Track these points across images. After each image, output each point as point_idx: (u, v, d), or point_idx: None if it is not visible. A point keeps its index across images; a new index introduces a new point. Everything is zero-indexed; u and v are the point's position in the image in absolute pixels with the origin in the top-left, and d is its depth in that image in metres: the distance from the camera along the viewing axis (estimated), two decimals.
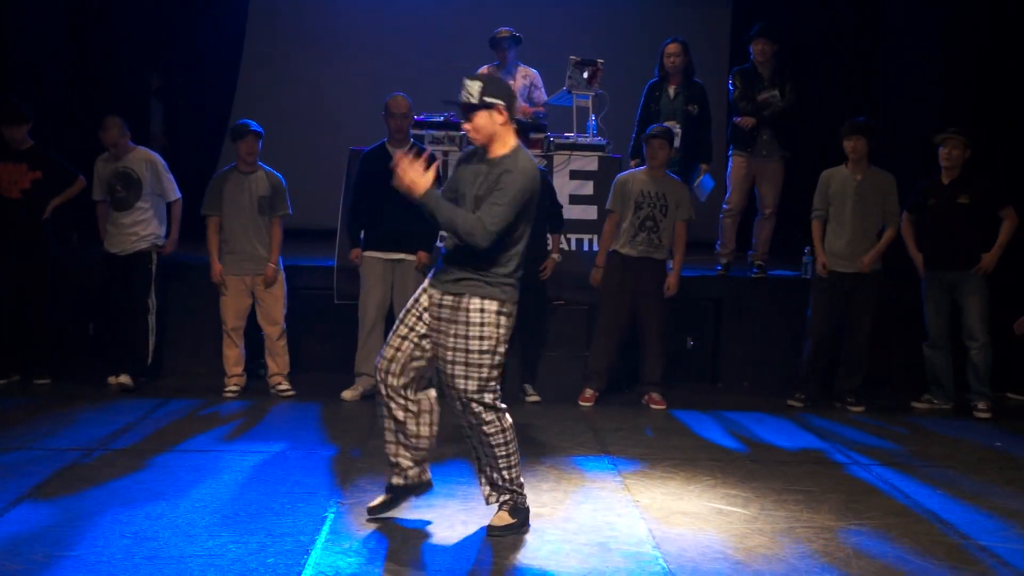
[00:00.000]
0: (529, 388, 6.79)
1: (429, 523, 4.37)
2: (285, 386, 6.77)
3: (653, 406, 6.69)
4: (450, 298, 4.14)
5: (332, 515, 4.44)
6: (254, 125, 6.70)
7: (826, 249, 6.81)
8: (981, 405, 6.67)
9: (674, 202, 6.67)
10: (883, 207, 6.72)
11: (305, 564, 3.89)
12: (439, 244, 4.16)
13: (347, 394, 6.67)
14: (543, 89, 8.03)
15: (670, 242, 6.70)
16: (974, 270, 6.67)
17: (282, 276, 6.81)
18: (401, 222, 6.60)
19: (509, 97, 4.14)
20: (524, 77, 8.05)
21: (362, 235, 6.70)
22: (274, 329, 6.76)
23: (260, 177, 6.72)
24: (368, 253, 6.65)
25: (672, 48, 7.40)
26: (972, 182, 6.70)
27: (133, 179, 6.83)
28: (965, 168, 6.69)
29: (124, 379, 6.77)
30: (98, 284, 7.05)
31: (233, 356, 6.75)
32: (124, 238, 6.82)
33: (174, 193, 6.97)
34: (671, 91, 7.42)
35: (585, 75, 7.70)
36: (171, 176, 6.96)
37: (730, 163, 7.67)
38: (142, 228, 6.82)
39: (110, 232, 6.85)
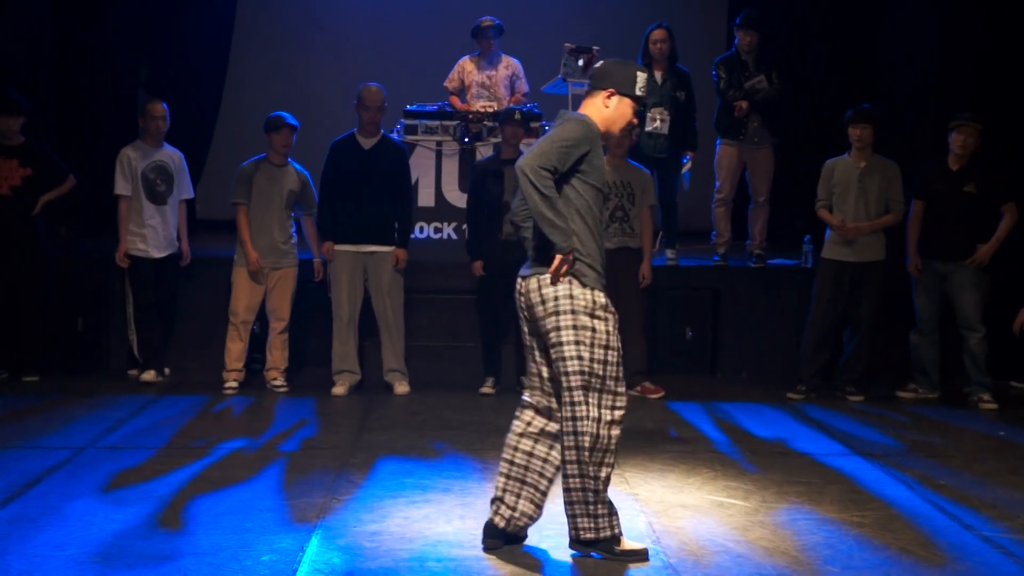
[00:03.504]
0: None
1: (426, 518, 4.36)
2: (280, 381, 6.77)
3: (649, 396, 6.70)
4: None
5: (327, 511, 4.43)
6: (290, 118, 6.70)
7: (829, 238, 6.80)
8: (986, 396, 6.68)
9: (640, 189, 6.68)
10: (887, 195, 6.71)
11: (301, 560, 3.88)
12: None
13: (337, 390, 6.68)
14: (524, 79, 8.04)
15: (640, 230, 6.70)
16: (968, 262, 6.64)
17: (295, 272, 6.81)
18: (369, 213, 6.60)
19: None
20: (507, 67, 8.06)
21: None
22: (279, 323, 6.77)
23: (290, 171, 6.76)
24: (338, 247, 6.65)
25: (658, 34, 7.39)
26: (979, 171, 6.65)
27: (169, 173, 6.88)
28: (973, 155, 6.65)
29: (153, 374, 6.93)
30: (118, 287, 7.09)
31: (236, 350, 6.73)
32: (165, 237, 6.88)
33: (191, 191, 7.08)
34: (658, 77, 7.40)
35: (580, 63, 7.68)
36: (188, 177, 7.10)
37: (718, 152, 7.66)
38: (173, 227, 6.93)
39: (147, 231, 6.82)
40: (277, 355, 6.80)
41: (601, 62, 4.07)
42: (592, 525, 3.88)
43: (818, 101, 9.09)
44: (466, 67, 8.10)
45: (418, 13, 10.25)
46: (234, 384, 6.70)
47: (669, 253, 7.67)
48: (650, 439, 5.71)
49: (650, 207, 6.75)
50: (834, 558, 4.01)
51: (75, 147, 8.28)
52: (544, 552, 4.05)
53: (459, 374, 7.00)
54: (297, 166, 6.82)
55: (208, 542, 4.05)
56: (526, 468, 3.97)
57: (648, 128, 7.33)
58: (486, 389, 6.76)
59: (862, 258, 6.72)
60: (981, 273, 6.70)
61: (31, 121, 7.04)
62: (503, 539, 4.02)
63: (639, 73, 3.89)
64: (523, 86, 8.03)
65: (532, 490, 3.97)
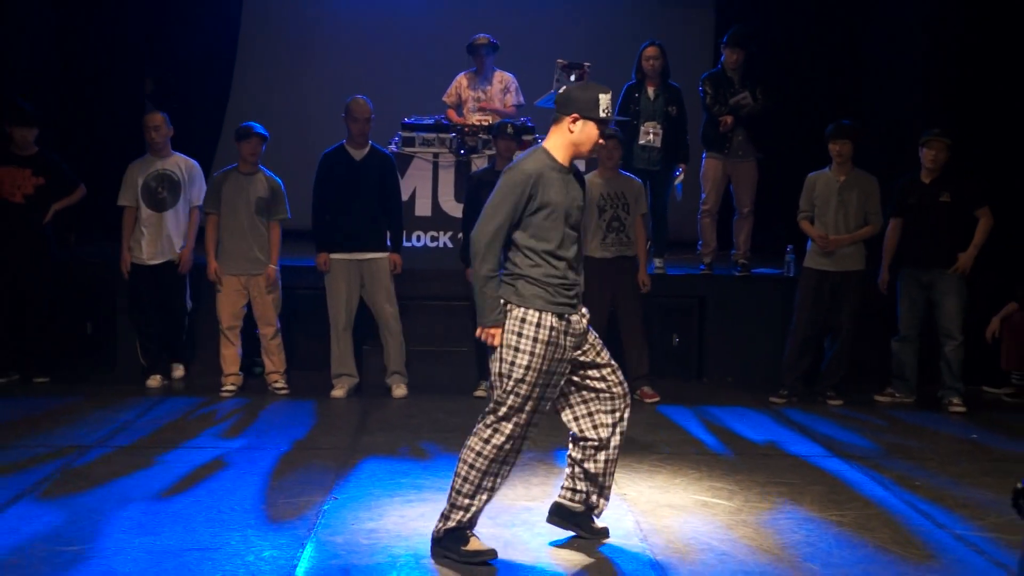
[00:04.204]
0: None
1: (421, 516, 4.38)
2: (281, 384, 6.78)
3: (647, 400, 6.72)
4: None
5: (327, 509, 4.45)
6: (259, 127, 6.71)
7: (810, 248, 6.86)
8: (956, 400, 6.74)
9: (633, 198, 6.73)
10: (865, 208, 6.76)
11: (301, 557, 3.90)
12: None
13: (336, 393, 6.70)
14: (516, 92, 8.07)
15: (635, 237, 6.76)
16: (951, 270, 6.71)
17: (278, 277, 6.82)
18: (362, 222, 6.63)
19: None
20: (500, 82, 8.09)
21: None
22: (269, 329, 6.77)
23: (260, 179, 6.73)
24: (334, 256, 6.67)
25: (651, 51, 7.45)
26: (952, 180, 6.73)
27: (174, 180, 6.87)
28: (945, 167, 6.73)
29: (179, 371, 7.06)
30: (125, 294, 7.10)
31: (230, 356, 6.75)
32: (160, 244, 6.83)
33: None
34: (650, 92, 7.46)
35: (572, 78, 7.72)
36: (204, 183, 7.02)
37: (703, 165, 7.72)
38: (176, 234, 6.87)
39: (144, 237, 6.82)
40: (275, 359, 6.80)
41: (563, 88, 4.06)
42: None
43: (800, 116, 9.13)
44: (462, 82, 8.14)
45: (417, 30, 10.27)
46: (231, 388, 6.71)
47: (657, 262, 7.70)
48: (638, 442, 5.74)
49: (642, 215, 6.81)
50: (814, 555, 4.05)
51: (83, 158, 8.27)
52: (539, 547, 4.08)
53: (454, 378, 7.03)
54: (268, 172, 6.79)
55: (211, 538, 4.07)
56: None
57: (641, 141, 7.38)
58: (480, 392, 6.78)
59: (842, 268, 6.77)
60: (963, 281, 6.75)
61: (42, 132, 7.06)
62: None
63: (601, 95, 3.90)
64: (513, 98, 8.05)
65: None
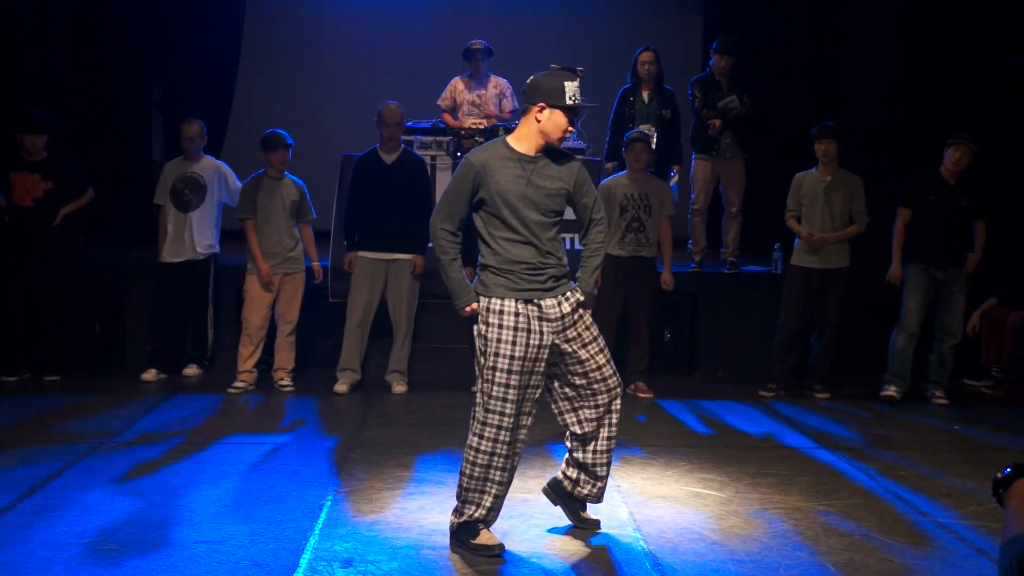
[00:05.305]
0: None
1: (421, 509, 4.38)
2: (287, 381, 6.76)
3: (640, 395, 6.72)
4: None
5: (329, 502, 4.44)
6: (289, 138, 6.74)
7: (797, 247, 6.85)
8: (939, 393, 6.73)
9: (657, 201, 6.72)
10: (851, 207, 6.75)
11: (304, 549, 3.89)
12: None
13: (339, 388, 6.68)
14: (511, 98, 8.07)
15: (656, 239, 6.74)
16: (964, 270, 6.63)
17: (303, 277, 6.82)
18: (393, 223, 6.63)
19: None
20: (495, 87, 8.08)
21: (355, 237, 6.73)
22: (287, 326, 6.77)
23: (288, 183, 6.76)
24: (361, 254, 6.66)
25: (646, 56, 7.45)
26: (970, 186, 6.67)
27: (200, 184, 6.91)
28: (965, 173, 6.64)
29: (191, 370, 7.03)
30: (133, 294, 7.19)
31: (247, 354, 6.72)
32: (182, 243, 6.90)
33: (230, 199, 7.03)
34: (645, 96, 7.46)
35: None
36: (239, 185, 6.98)
37: (693, 166, 7.72)
38: (199, 234, 6.90)
39: (169, 237, 6.89)
40: (284, 356, 6.80)
41: (531, 77, 3.97)
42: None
43: (786, 119, 9.13)
44: (458, 87, 8.13)
45: (417, 35, 10.28)
46: (241, 385, 6.69)
47: None
48: (632, 434, 5.73)
49: (669, 218, 6.79)
50: (802, 544, 4.04)
51: (92, 163, 8.26)
52: (535, 538, 4.07)
53: (452, 374, 7.01)
54: (292, 177, 6.82)
55: (217, 531, 4.06)
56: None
57: None
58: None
59: (827, 265, 6.76)
60: (969, 282, 6.71)
61: (52, 138, 7.05)
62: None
63: (567, 83, 3.84)
64: (509, 103, 8.05)
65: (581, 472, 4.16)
